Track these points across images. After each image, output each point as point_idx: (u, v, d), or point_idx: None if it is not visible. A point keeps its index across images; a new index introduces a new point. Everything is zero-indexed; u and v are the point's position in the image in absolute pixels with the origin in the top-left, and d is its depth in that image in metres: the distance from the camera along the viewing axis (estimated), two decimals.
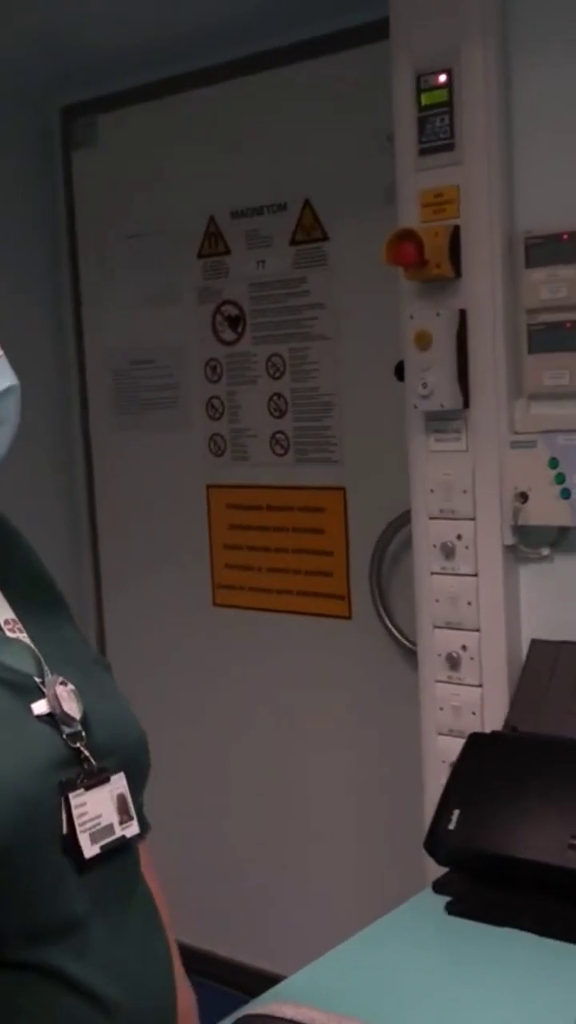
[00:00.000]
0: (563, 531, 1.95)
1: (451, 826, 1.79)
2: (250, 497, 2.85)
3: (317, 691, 2.76)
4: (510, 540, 1.98)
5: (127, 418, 3.09)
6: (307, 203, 2.65)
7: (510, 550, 1.99)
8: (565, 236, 1.89)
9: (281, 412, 2.76)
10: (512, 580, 2.00)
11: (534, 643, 1.99)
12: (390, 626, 2.59)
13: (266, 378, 2.78)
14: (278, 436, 2.77)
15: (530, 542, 1.98)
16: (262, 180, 2.71)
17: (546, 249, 1.91)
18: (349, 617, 2.71)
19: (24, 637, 1.11)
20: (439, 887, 1.80)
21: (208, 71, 2.73)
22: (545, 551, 1.97)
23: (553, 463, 1.90)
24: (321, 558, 2.74)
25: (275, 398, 2.77)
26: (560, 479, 1.89)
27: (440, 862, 1.82)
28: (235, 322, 2.81)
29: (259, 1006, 1.20)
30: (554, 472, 1.90)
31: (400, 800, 2.44)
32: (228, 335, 2.83)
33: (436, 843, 1.81)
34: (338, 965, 1.62)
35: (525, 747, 1.87)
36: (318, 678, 2.75)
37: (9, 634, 1.11)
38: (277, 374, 2.76)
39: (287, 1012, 1.09)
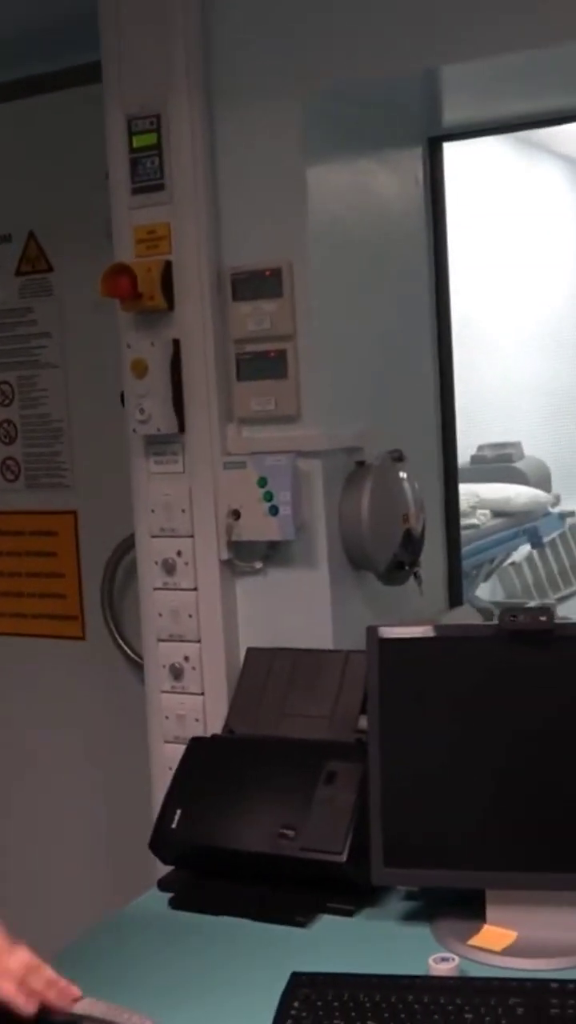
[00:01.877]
0: (273, 545, 2.10)
1: (173, 825, 1.89)
2: None
3: (54, 710, 2.81)
4: (226, 555, 2.11)
5: None
6: (31, 235, 2.72)
7: (226, 565, 2.12)
8: (268, 272, 2.05)
9: (11, 438, 2.81)
10: (229, 593, 2.14)
11: (250, 651, 2.12)
12: (122, 643, 2.68)
13: None
14: (8, 462, 2.82)
15: (244, 556, 2.12)
16: None
17: (251, 284, 2.06)
18: (83, 637, 2.79)
19: None
20: (163, 884, 1.90)
21: None
22: (258, 564, 2.12)
23: (262, 482, 2.05)
24: (54, 580, 2.81)
25: (5, 424, 2.82)
26: (269, 497, 2.04)
27: (165, 861, 1.92)
28: None
29: None
30: (263, 490, 2.04)
31: (134, 809, 2.52)
32: None
33: (160, 842, 1.91)
34: (65, 961, 1.68)
35: (240, 747, 1.99)
36: (55, 697, 2.81)
37: None
38: (6, 401, 2.81)
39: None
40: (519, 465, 6.39)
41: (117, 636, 2.69)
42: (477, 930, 1.66)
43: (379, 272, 2.27)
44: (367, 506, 2.07)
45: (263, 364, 2.06)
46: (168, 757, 2.16)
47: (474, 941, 1.64)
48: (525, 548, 6.66)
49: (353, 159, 2.21)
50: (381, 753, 1.72)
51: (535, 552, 6.82)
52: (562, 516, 6.72)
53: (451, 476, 2.51)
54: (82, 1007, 1.45)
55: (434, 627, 1.74)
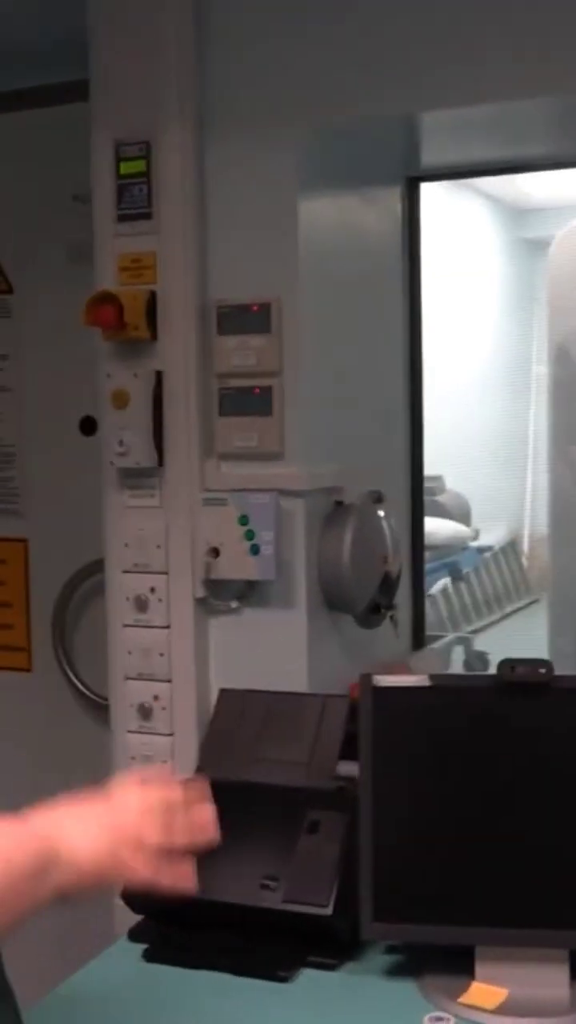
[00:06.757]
0: (250, 585, 2.06)
1: None
2: None
3: None
4: (201, 593, 2.06)
5: None
6: None
7: (201, 603, 2.07)
8: (255, 307, 2.01)
9: None
10: (202, 632, 2.09)
11: (222, 692, 2.07)
12: (73, 678, 2.60)
13: None
14: None
15: (219, 595, 2.07)
16: None
17: (237, 318, 2.02)
18: (29, 670, 2.70)
19: None
20: (135, 935, 1.83)
21: None
22: (234, 604, 2.07)
23: (243, 520, 2.00)
24: (1, 610, 2.72)
25: None
26: (250, 536, 2.00)
27: (137, 910, 1.85)
28: None
29: None
30: (244, 529, 2.00)
31: None
32: None
33: (133, 891, 1.84)
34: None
35: (216, 793, 1.93)
36: None
37: None
38: None
39: None
40: (441, 499, 6.44)
41: (68, 670, 2.62)
42: (465, 987, 1.64)
43: (359, 310, 2.26)
44: (348, 547, 2.05)
45: (247, 400, 2.02)
46: None
47: (465, 999, 1.61)
48: (442, 580, 6.72)
49: (339, 195, 2.19)
50: (373, 804, 1.69)
51: (451, 585, 6.88)
52: (480, 550, 6.79)
53: (418, 517, 2.50)
54: None
55: (430, 676, 1.71)
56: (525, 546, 8.41)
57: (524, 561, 8.21)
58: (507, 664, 1.66)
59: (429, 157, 2.41)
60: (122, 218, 2.05)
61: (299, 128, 2.00)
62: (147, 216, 2.03)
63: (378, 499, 2.15)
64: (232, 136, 2.02)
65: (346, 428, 2.18)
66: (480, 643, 6.24)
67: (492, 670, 1.70)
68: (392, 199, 2.40)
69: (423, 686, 1.70)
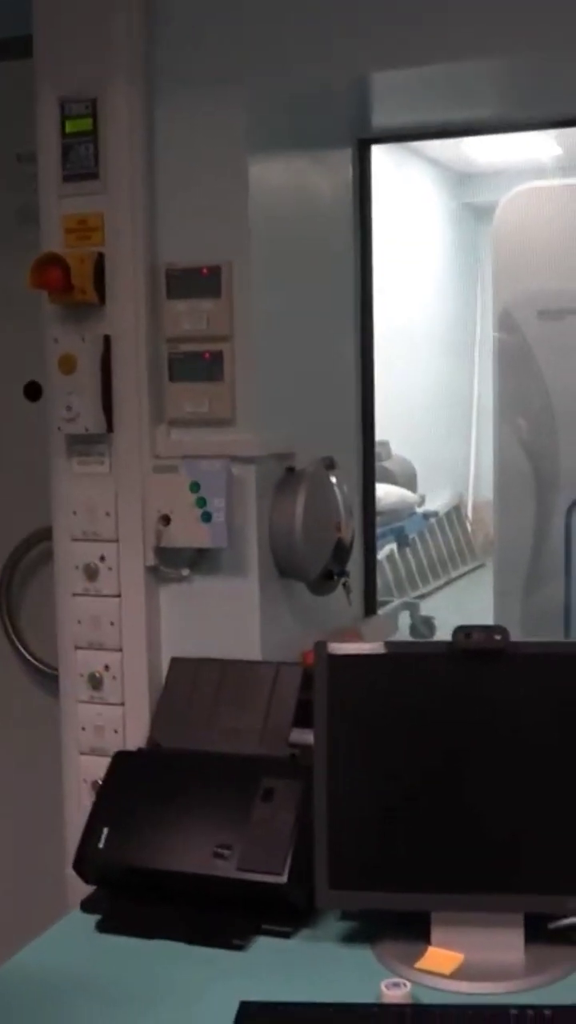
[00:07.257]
0: (202, 552, 2.03)
1: (100, 844, 1.81)
2: None
3: None
4: (152, 561, 2.03)
5: None
6: None
7: (151, 571, 2.05)
8: (205, 271, 1.98)
9: None
10: (153, 600, 2.06)
11: (174, 661, 2.05)
12: (20, 648, 2.57)
13: None
14: None
15: (170, 563, 2.05)
16: None
17: (186, 282, 1.99)
18: None
19: None
20: (87, 906, 1.82)
21: None
22: (185, 572, 2.05)
23: (194, 487, 1.98)
24: None
25: None
26: (202, 503, 1.97)
27: (89, 881, 1.84)
28: None
29: None
30: (195, 496, 1.97)
31: (34, 824, 2.43)
32: None
33: (85, 862, 1.82)
34: None
35: (169, 763, 1.93)
36: None
37: None
38: None
39: None
40: (387, 464, 6.44)
41: (15, 639, 2.58)
42: (421, 952, 1.64)
43: (310, 273, 2.23)
44: (300, 514, 2.03)
45: (198, 365, 1.99)
46: (83, 769, 2.08)
47: (421, 964, 1.61)
48: (388, 546, 6.74)
49: (290, 157, 2.15)
50: (328, 772, 1.68)
51: (397, 550, 6.90)
52: (426, 516, 6.81)
53: (369, 483, 2.49)
54: None
55: (384, 644, 1.70)
56: (469, 511, 8.46)
57: (469, 526, 8.26)
58: (462, 631, 1.65)
59: (379, 119, 2.38)
60: (68, 178, 2.00)
61: (249, 88, 1.96)
62: (94, 176, 1.98)
63: (330, 465, 2.13)
64: (181, 95, 1.98)
65: (297, 393, 2.15)
66: (426, 608, 6.28)
67: (438, 635, 1.69)
68: (343, 162, 2.37)
69: (378, 654, 1.70)
